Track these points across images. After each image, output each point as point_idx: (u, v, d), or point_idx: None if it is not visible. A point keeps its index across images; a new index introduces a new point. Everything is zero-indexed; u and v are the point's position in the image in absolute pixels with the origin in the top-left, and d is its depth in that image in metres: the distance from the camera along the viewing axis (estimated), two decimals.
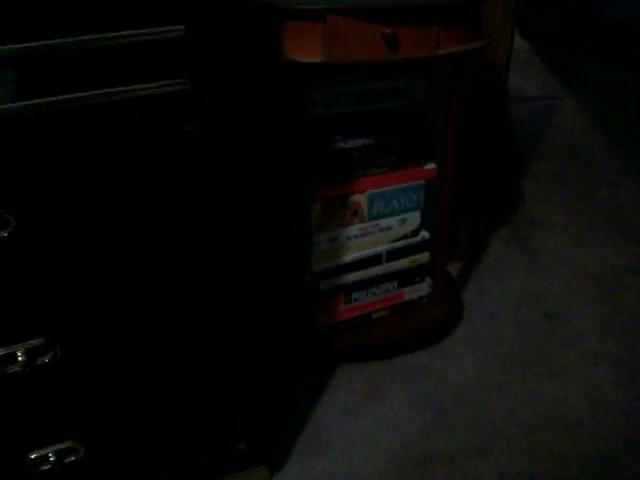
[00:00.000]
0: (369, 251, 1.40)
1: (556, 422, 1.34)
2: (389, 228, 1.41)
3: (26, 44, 0.69)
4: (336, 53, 1.09)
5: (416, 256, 1.47)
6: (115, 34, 0.73)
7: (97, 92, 0.75)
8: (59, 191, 0.78)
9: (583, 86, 3.11)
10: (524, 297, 1.73)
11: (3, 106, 0.71)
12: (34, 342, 0.84)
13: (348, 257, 1.38)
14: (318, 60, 1.10)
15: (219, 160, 0.87)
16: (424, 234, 1.46)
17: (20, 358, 0.83)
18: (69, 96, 0.74)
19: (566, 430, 1.33)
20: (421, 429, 1.33)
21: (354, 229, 1.36)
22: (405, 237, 1.44)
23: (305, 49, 1.10)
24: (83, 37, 0.71)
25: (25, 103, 0.72)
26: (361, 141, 1.30)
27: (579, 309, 1.68)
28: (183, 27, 0.76)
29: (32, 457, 0.91)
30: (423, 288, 1.52)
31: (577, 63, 3.38)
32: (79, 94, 0.74)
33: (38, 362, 0.85)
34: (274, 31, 1.11)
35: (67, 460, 0.94)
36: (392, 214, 1.40)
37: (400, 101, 1.33)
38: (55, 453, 0.92)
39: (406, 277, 1.48)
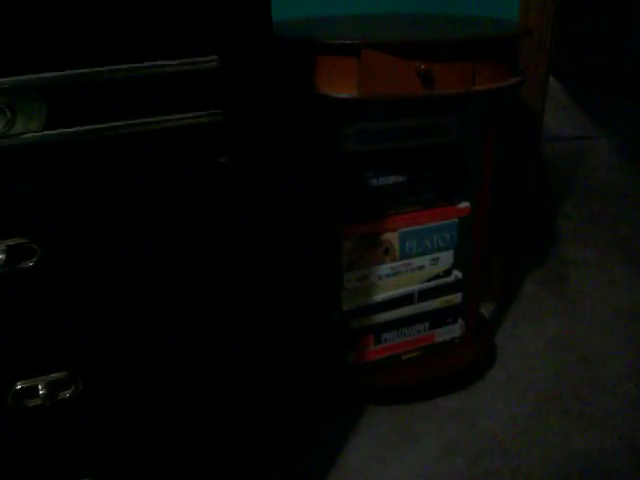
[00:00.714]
0: (400, 291, 1.37)
1: (593, 472, 1.29)
2: (421, 267, 1.38)
3: (59, 73, 0.68)
4: (370, 88, 1.08)
5: (449, 296, 1.44)
6: (149, 64, 0.72)
7: (129, 122, 0.74)
8: (86, 222, 0.76)
9: (617, 126, 3.07)
10: (559, 340, 1.68)
11: (34, 134, 0.70)
12: (56, 375, 0.82)
13: (379, 296, 1.35)
14: (352, 95, 1.09)
15: (251, 193, 0.85)
16: (457, 274, 1.43)
17: (41, 392, 0.81)
18: (101, 126, 0.73)
19: None
20: (452, 476, 1.28)
21: (385, 268, 1.34)
22: (437, 277, 1.41)
23: (339, 84, 1.09)
24: (115, 66, 0.71)
25: (56, 132, 0.71)
26: (393, 178, 1.28)
27: (616, 353, 1.63)
28: (217, 57, 0.75)
29: None
30: (455, 330, 1.48)
31: (610, 103, 3.34)
32: (110, 124, 0.73)
33: (59, 397, 0.83)
34: (308, 66, 1.10)
35: None
36: (424, 253, 1.37)
37: (434, 138, 1.31)
38: None
39: (438, 318, 1.45)
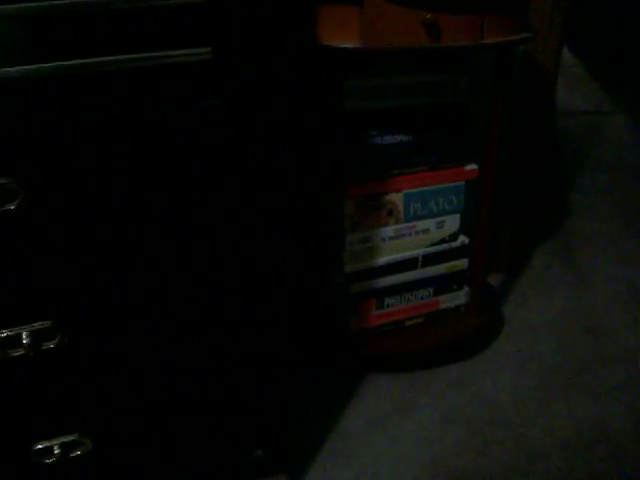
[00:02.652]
0: (404, 254, 1.34)
1: (599, 444, 1.26)
2: (426, 231, 1.34)
3: (41, 3, 0.65)
4: (373, 39, 1.04)
5: (454, 262, 1.40)
6: None
7: (116, 58, 0.70)
8: (72, 162, 0.73)
9: (634, 101, 3.01)
10: (568, 312, 1.64)
11: (12, 69, 0.67)
12: (40, 325, 0.79)
13: (382, 259, 1.32)
14: (354, 46, 1.05)
15: (245, 144, 0.82)
16: (463, 239, 1.39)
17: (25, 341, 0.78)
18: (85, 61, 0.69)
19: (609, 454, 1.24)
20: (452, 445, 1.25)
21: (389, 230, 1.30)
22: (443, 241, 1.37)
23: (341, 35, 1.06)
24: None
25: (37, 67, 0.68)
26: (398, 138, 1.24)
27: (626, 326, 1.59)
28: None
29: (37, 448, 0.86)
30: (460, 297, 1.45)
31: (628, 79, 3.28)
32: (97, 59, 0.70)
33: (44, 347, 0.80)
34: (310, 16, 1.06)
35: (73, 454, 0.89)
36: (429, 216, 1.33)
37: (441, 97, 1.27)
38: (60, 446, 0.87)
39: (443, 284, 1.41)
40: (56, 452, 0.88)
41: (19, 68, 0.67)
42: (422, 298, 1.40)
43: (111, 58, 0.70)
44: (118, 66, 0.71)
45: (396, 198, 1.28)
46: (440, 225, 1.35)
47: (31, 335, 0.79)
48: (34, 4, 0.65)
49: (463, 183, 1.33)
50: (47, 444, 0.87)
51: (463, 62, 1.28)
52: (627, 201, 2.21)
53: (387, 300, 1.36)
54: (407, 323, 1.41)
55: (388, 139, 1.23)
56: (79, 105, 0.71)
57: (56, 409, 0.87)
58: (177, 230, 0.82)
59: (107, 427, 0.91)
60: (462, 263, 1.41)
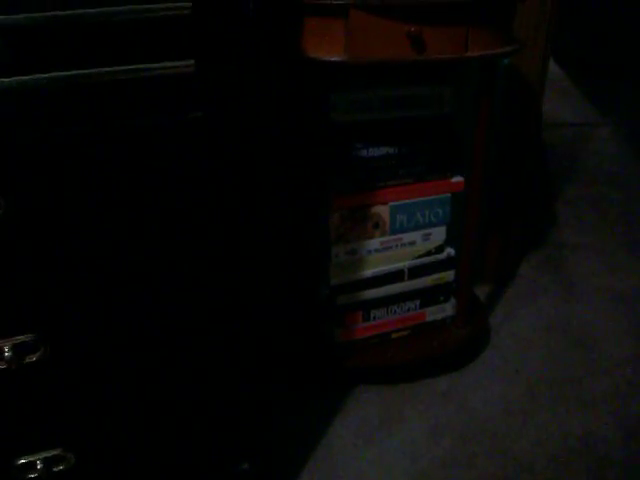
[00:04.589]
0: (390, 266, 1.34)
1: (586, 456, 1.26)
2: (412, 243, 1.34)
3: (22, 15, 0.65)
4: (359, 52, 1.04)
5: (441, 274, 1.40)
6: (116, 9, 0.68)
7: (99, 70, 0.70)
8: (53, 174, 0.73)
9: (620, 113, 3.04)
10: (555, 323, 1.64)
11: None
12: (23, 338, 0.79)
13: (368, 272, 1.32)
14: (339, 59, 1.05)
15: (229, 154, 0.82)
16: (449, 251, 1.39)
17: (7, 354, 0.77)
18: (69, 73, 0.69)
19: (597, 465, 1.24)
20: (440, 457, 1.25)
21: (375, 242, 1.30)
22: (429, 253, 1.37)
23: (327, 47, 1.06)
24: (80, 10, 0.67)
25: (19, 78, 0.67)
26: (384, 150, 1.24)
27: (613, 337, 1.59)
28: (190, 4, 0.71)
29: (19, 463, 0.85)
30: (447, 308, 1.45)
31: (613, 89, 3.31)
32: (80, 71, 0.70)
33: (26, 360, 0.79)
34: (295, 28, 1.06)
35: (56, 469, 0.88)
36: (416, 228, 1.33)
37: (427, 109, 1.28)
38: (43, 460, 0.86)
39: (429, 296, 1.41)
40: (39, 467, 0.87)
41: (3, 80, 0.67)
42: (409, 310, 1.40)
43: (94, 71, 0.70)
44: (101, 79, 0.71)
45: (382, 210, 1.28)
46: (426, 237, 1.35)
47: (13, 348, 0.78)
48: (15, 17, 0.65)
49: (449, 195, 1.33)
50: (30, 459, 0.86)
51: (448, 74, 1.28)
52: (613, 212, 2.22)
53: (373, 312, 1.36)
54: (394, 335, 1.41)
55: (374, 151, 1.24)
56: (60, 117, 0.71)
57: (39, 423, 0.86)
58: (158, 243, 0.82)
59: (90, 442, 0.90)
60: (448, 275, 1.41)
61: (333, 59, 1.05)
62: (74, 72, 0.69)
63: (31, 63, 0.68)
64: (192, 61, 0.74)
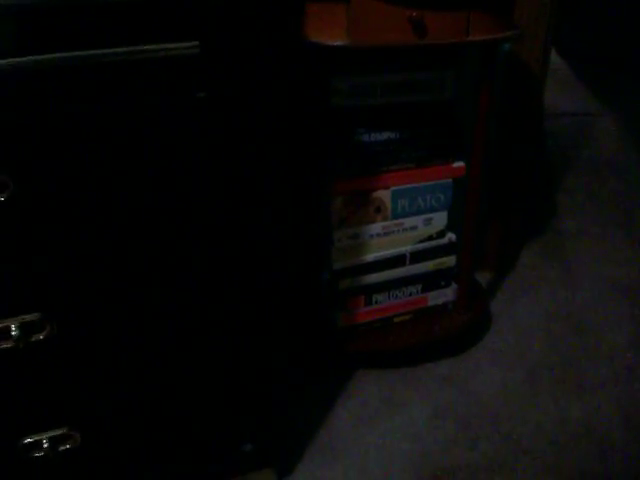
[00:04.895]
0: (392, 251, 1.35)
1: (585, 440, 1.27)
2: (414, 228, 1.35)
3: None
4: (360, 36, 1.05)
5: (442, 259, 1.41)
6: None
7: (102, 52, 0.71)
8: (60, 154, 0.74)
9: (621, 103, 3.04)
10: (555, 310, 1.65)
11: (4, 61, 0.67)
12: (29, 317, 0.80)
13: (370, 256, 1.33)
14: (341, 43, 1.06)
15: (232, 135, 0.83)
16: (451, 236, 1.40)
17: (14, 333, 0.78)
18: (72, 54, 0.70)
19: (595, 449, 1.25)
20: (441, 440, 1.26)
21: (377, 227, 1.31)
22: (431, 238, 1.38)
23: (328, 32, 1.06)
24: None
25: (27, 59, 0.68)
26: (386, 135, 1.25)
27: (612, 324, 1.60)
28: None
29: (25, 442, 0.87)
30: (448, 293, 1.46)
31: (615, 81, 3.31)
32: (87, 52, 0.70)
33: (33, 339, 0.80)
34: (297, 13, 1.07)
35: (62, 448, 0.89)
36: (417, 213, 1.34)
37: (428, 95, 1.28)
38: (49, 439, 0.88)
39: (431, 281, 1.42)
40: (45, 446, 0.88)
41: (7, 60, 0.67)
42: (410, 295, 1.41)
43: (102, 51, 0.71)
44: (108, 59, 0.72)
45: (384, 195, 1.29)
46: (428, 222, 1.36)
47: (20, 327, 0.79)
48: None
49: (450, 180, 1.34)
50: (36, 438, 0.87)
51: (450, 60, 1.29)
52: (613, 201, 2.23)
53: (375, 297, 1.37)
54: (396, 319, 1.42)
55: (376, 136, 1.24)
56: (67, 98, 0.72)
57: (45, 402, 0.87)
58: (163, 223, 0.83)
59: (96, 421, 0.91)
60: (450, 260, 1.42)
61: (335, 44, 1.06)
62: (79, 53, 0.70)
63: (37, 44, 0.68)
64: (196, 43, 0.75)
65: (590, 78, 3.34)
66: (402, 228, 1.34)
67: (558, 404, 1.35)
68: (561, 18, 1.62)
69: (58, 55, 0.69)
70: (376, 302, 1.37)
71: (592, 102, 3.10)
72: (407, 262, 1.37)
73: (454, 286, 1.46)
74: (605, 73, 3.42)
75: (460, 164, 1.34)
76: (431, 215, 1.35)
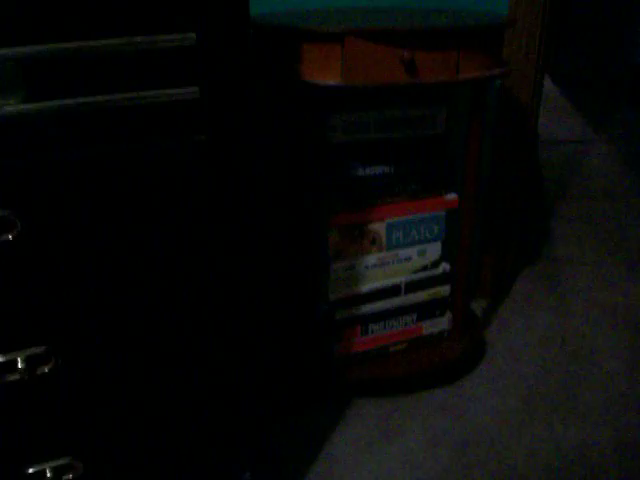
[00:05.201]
0: (387, 281, 1.38)
1: (580, 467, 1.28)
2: (408, 259, 1.38)
3: (36, 46, 0.70)
4: (354, 76, 1.09)
5: (436, 289, 1.44)
6: (126, 40, 0.73)
7: (104, 98, 0.75)
8: (65, 196, 0.77)
9: (614, 130, 3.08)
10: (550, 336, 1.68)
11: (12, 107, 0.71)
12: (35, 350, 0.82)
13: (365, 287, 1.36)
14: (336, 83, 1.10)
15: (232, 177, 0.86)
16: (445, 266, 1.43)
17: (20, 365, 0.81)
18: (75, 100, 0.74)
19: (590, 475, 1.26)
20: (437, 467, 1.28)
21: (372, 258, 1.34)
22: (425, 268, 1.41)
23: (323, 72, 1.10)
24: (92, 42, 0.72)
25: (35, 105, 0.72)
26: (380, 169, 1.29)
27: (607, 350, 1.63)
28: (194, 35, 0.76)
29: (29, 471, 0.89)
30: (443, 322, 1.48)
31: (608, 108, 3.35)
32: (89, 98, 0.74)
33: (38, 371, 0.83)
34: (293, 54, 1.11)
35: (65, 477, 0.91)
36: (412, 244, 1.37)
37: (421, 130, 1.32)
38: (53, 469, 0.90)
39: (425, 310, 1.45)
40: (48, 475, 0.90)
41: (13, 107, 0.71)
42: (406, 324, 1.44)
43: (106, 97, 0.75)
44: (112, 104, 0.75)
45: (379, 227, 1.32)
46: (422, 253, 1.39)
47: (26, 360, 0.82)
48: (29, 48, 0.70)
49: (444, 212, 1.37)
50: (40, 467, 0.90)
51: (441, 96, 1.33)
52: (608, 227, 2.26)
53: (371, 326, 1.40)
54: (391, 349, 1.44)
55: (370, 170, 1.28)
56: (72, 142, 0.76)
57: (49, 432, 0.89)
58: (160, 261, 0.86)
59: (98, 452, 0.93)
60: (444, 290, 1.45)
61: (330, 84, 1.10)
62: (84, 99, 0.74)
63: (42, 91, 0.72)
64: (197, 88, 0.79)
65: (584, 105, 3.38)
66: (397, 259, 1.37)
67: (553, 430, 1.37)
68: (554, 46, 1.66)
69: (63, 102, 0.73)
70: (372, 332, 1.40)
71: (586, 129, 3.14)
72: (402, 292, 1.40)
73: (449, 315, 1.48)
74: (599, 100, 3.47)
75: (453, 196, 1.37)
76: (425, 246, 1.39)
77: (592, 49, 3.50)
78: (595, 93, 3.48)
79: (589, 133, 3.08)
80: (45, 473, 0.90)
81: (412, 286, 1.40)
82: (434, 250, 1.40)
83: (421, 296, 1.42)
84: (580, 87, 3.50)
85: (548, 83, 2.64)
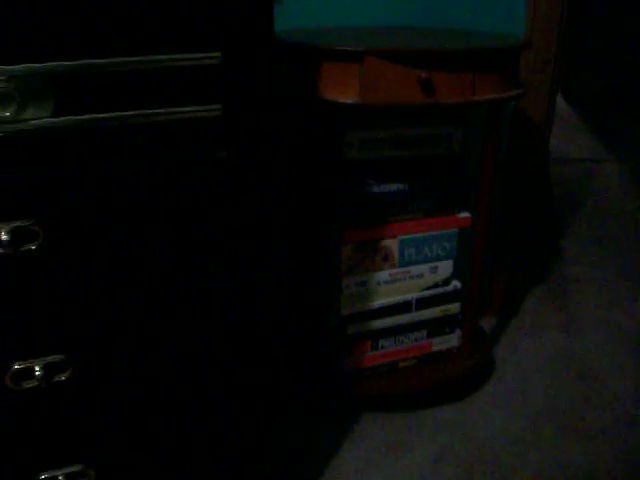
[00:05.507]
0: (398, 298, 1.39)
1: None
2: (420, 275, 1.39)
3: (67, 62, 0.71)
4: (372, 95, 1.10)
5: (447, 306, 1.45)
6: (153, 57, 0.75)
7: (128, 114, 0.76)
8: (87, 208, 0.79)
9: (626, 149, 3.08)
10: (558, 356, 1.68)
11: (41, 121, 0.73)
12: (54, 358, 0.84)
13: (377, 302, 1.37)
14: (353, 101, 1.11)
15: (250, 192, 0.87)
16: (456, 284, 1.44)
17: (38, 373, 0.83)
18: (101, 115, 0.75)
19: None
20: None
21: (384, 274, 1.35)
22: (436, 286, 1.42)
23: (341, 90, 1.11)
24: (120, 59, 0.73)
25: (63, 119, 0.74)
26: (394, 186, 1.30)
27: (615, 371, 1.63)
28: (219, 54, 0.77)
29: (42, 478, 0.90)
30: (453, 339, 1.49)
31: (621, 126, 3.36)
32: (114, 114, 0.76)
33: (55, 379, 0.85)
34: (313, 71, 1.13)
35: None
36: (424, 261, 1.38)
37: (436, 149, 1.33)
38: (65, 476, 0.91)
39: (436, 327, 1.46)
40: None
41: (42, 120, 0.73)
42: (416, 340, 1.44)
43: (129, 113, 0.76)
44: (137, 120, 0.77)
45: (391, 244, 1.33)
46: (434, 270, 1.40)
47: (44, 368, 0.83)
48: (60, 63, 0.71)
49: (456, 230, 1.38)
50: (52, 474, 0.91)
51: (457, 115, 1.34)
52: (618, 247, 2.26)
53: (382, 342, 1.40)
54: (401, 364, 1.45)
55: (385, 187, 1.29)
56: (97, 155, 0.77)
57: (62, 439, 0.90)
58: (179, 272, 0.87)
59: (111, 460, 0.95)
60: (455, 307, 1.46)
61: (348, 102, 1.11)
62: (109, 114, 0.76)
63: (71, 105, 0.74)
64: (219, 105, 0.80)
65: (596, 124, 3.39)
66: (409, 276, 1.38)
67: (560, 450, 1.37)
68: (567, 65, 1.67)
69: (91, 116, 0.75)
70: (382, 347, 1.41)
71: (598, 148, 3.15)
72: (413, 309, 1.40)
73: (458, 332, 1.49)
74: (611, 118, 3.47)
75: (466, 215, 1.38)
76: (437, 263, 1.40)
77: (605, 67, 3.51)
78: (607, 111, 3.49)
79: (601, 152, 3.08)
80: None
81: (423, 303, 1.41)
82: (446, 267, 1.41)
83: (432, 313, 1.43)
84: (592, 105, 3.50)
85: (560, 101, 2.64)
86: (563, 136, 3.03)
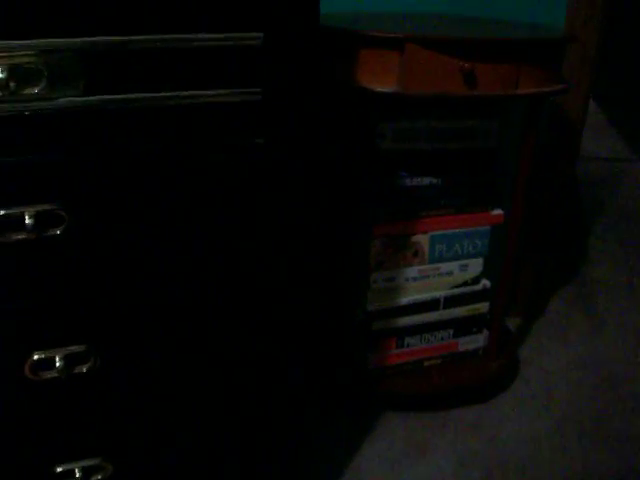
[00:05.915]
0: (427, 295, 1.35)
1: None
2: (450, 273, 1.35)
3: (97, 38, 0.67)
4: (411, 84, 1.06)
5: (475, 305, 1.41)
6: (190, 36, 0.71)
7: (164, 95, 0.72)
8: (117, 193, 0.75)
9: None
10: (584, 359, 1.64)
11: (70, 100, 0.69)
12: (75, 348, 0.81)
13: (404, 299, 1.33)
14: (392, 90, 1.07)
15: (286, 178, 0.84)
16: (485, 283, 1.40)
17: (58, 363, 0.79)
18: (136, 95, 0.72)
19: None
20: None
21: (413, 270, 1.31)
22: (465, 284, 1.38)
23: (380, 78, 1.07)
24: (157, 36, 0.69)
25: (94, 98, 0.70)
26: (427, 180, 1.26)
27: None
28: (261, 35, 0.73)
29: (58, 470, 0.87)
30: (479, 340, 1.45)
31: None
32: (145, 94, 0.72)
33: (76, 370, 0.81)
34: (352, 58, 1.08)
35: (94, 478, 0.89)
36: (454, 258, 1.34)
37: (472, 142, 1.29)
38: (82, 469, 0.88)
39: (463, 326, 1.42)
40: (77, 475, 0.89)
41: (72, 99, 0.69)
42: (442, 339, 1.41)
43: (166, 94, 0.72)
44: (173, 102, 0.73)
45: (422, 239, 1.29)
46: (464, 268, 1.36)
47: (64, 358, 0.80)
48: (90, 39, 0.67)
49: (489, 228, 1.34)
50: (69, 467, 0.88)
51: (496, 108, 1.29)
52: None
53: (407, 339, 1.37)
54: (425, 363, 1.41)
55: (418, 181, 1.25)
56: (129, 137, 0.73)
57: (81, 432, 0.88)
58: (209, 258, 0.84)
59: (129, 454, 0.92)
60: (483, 306, 1.42)
61: (386, 90, 1.07)
62: (145, 94, 0.72)
63: (102, 84, 0.70)
64: (259, 89, 0.76)
65: (623, 123, 3.33)
66: (438, 273, 1.34)
67: (583, 456, 1.34)
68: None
69: (123, 96, 0.71)
70: (407, 345, 1.37)
71: (625, 147, 3.10)
72: (441, 307, 1.37)
73: (485, 332, 1.45)
74: (637, 118, 3.41)
75: (499, 212, 1.34)
76: (467, 261, 1.35)
77: (634, 67, 3.45)
78: (634, 111, 3.43)
79: (627, 151, 3.03)
80: (74, 473, 0.88)
81: (451, 301, 1.37)
82: (476, 266, 1.37)
83: (459, 312, 1.39)
84: (620, 105, 3.44)
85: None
86: (590, 134, 2.97)
